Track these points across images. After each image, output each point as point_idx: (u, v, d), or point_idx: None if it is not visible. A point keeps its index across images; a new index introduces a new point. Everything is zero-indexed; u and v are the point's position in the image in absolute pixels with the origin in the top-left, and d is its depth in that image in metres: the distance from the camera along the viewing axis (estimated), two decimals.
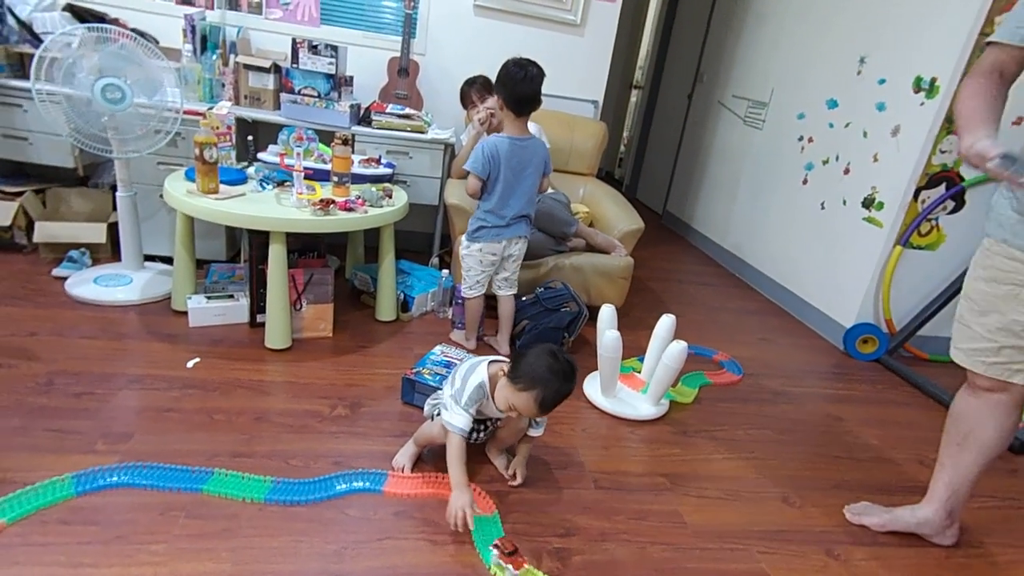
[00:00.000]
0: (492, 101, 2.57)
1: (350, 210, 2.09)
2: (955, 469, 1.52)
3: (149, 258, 2.48)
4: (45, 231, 2.43)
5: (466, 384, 1.49)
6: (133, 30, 2.59)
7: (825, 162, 3.13)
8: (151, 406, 1.71)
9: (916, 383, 2.59)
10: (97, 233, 2.48)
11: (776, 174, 3.52)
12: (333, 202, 2.05)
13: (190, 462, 1.51)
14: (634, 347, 2.31)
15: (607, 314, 2.05)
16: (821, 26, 3.24)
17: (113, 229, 2.47)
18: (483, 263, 2.20)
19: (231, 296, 2.24)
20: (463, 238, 2.25)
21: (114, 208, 2.43)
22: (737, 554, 1.49)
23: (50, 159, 2.43)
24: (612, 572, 1.38)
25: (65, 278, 2.30)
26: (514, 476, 1.63)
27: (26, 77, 2.23)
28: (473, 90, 2.68)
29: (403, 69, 2.88)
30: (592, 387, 2.11)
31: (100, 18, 2.58)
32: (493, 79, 2.57)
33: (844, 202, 2.97)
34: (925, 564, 1.56)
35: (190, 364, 1.94)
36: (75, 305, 2.18)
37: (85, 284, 2.26)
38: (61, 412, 1.63)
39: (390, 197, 2.30)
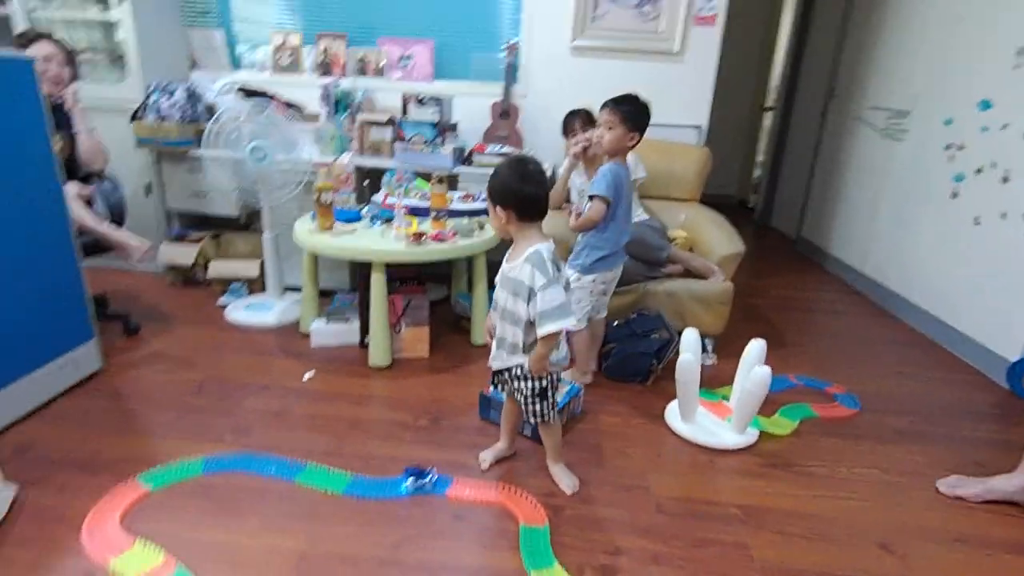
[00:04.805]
0: (594, 132, 2.64)
1: (442, 241, 2.29)
2: None
3: (292, 289, 2.91)
4: (215, 268, 2.98)
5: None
6: (286, 102, 3.16)
7: (979, 171, 2.72)
8: (269, 409, 2.01)
9: None
10: (251, 269, 2.98)
11: (921, 188, 3.12)
12: (424, 234, 2.27)
13: (291, 455, 1.75)
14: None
15: (689, 337, 1.99)
16: (970, 20, 2.88)
17: (264, 265, 2.95)
18: (593, 293, 2.14)
19: (346, 320, 2.54)
20: (571, 271, 2.10)
21: None
22: None
23: (221, 210, 3.00)
24: None
25: (226, 306, 2.79)
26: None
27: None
28: (577, 119, 2.74)
29: (504, 112, 3.10)
30: (673, 413, 2.04)
31: (263, 94, 3.17)
32: (594, 112, 2.65)
33: (1004, 216, 2.55)
34: None
35: (306, 377, 2.23)
36: (229, 327, 2.63)
37: (238, 311, 2.72)
38: (205, 409, 1.99)
39: (482, 228, 2.47)
